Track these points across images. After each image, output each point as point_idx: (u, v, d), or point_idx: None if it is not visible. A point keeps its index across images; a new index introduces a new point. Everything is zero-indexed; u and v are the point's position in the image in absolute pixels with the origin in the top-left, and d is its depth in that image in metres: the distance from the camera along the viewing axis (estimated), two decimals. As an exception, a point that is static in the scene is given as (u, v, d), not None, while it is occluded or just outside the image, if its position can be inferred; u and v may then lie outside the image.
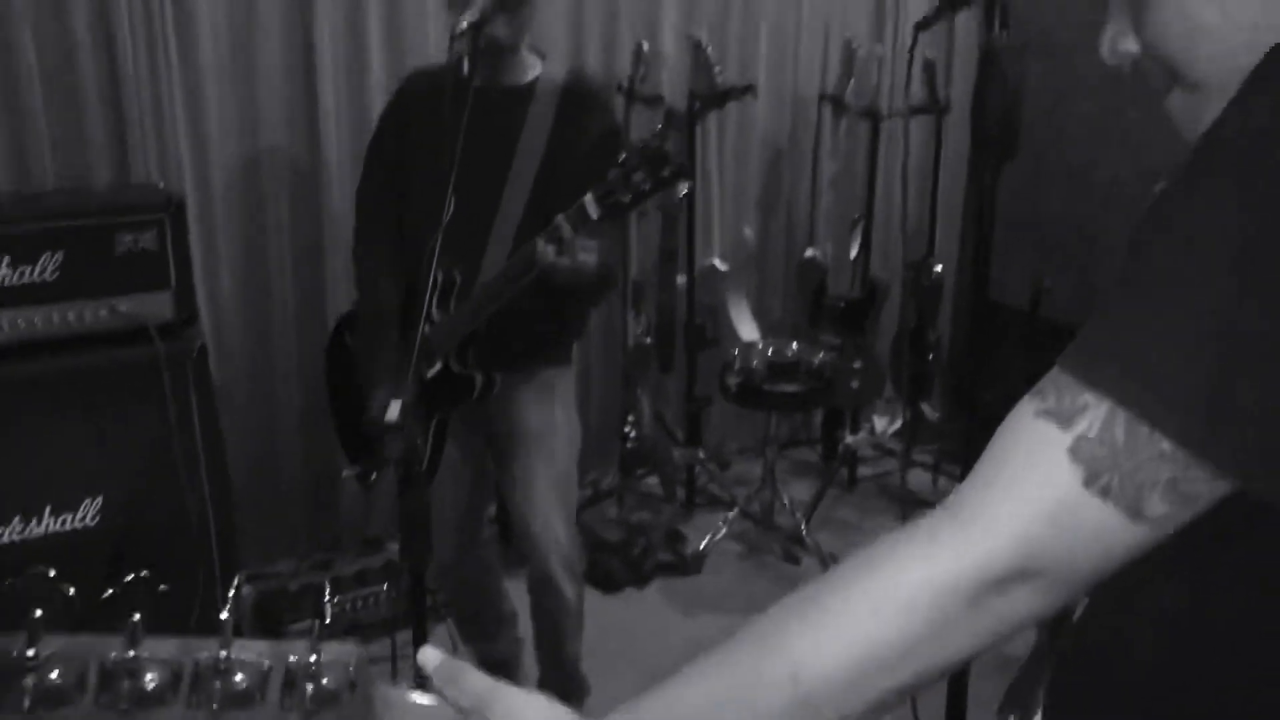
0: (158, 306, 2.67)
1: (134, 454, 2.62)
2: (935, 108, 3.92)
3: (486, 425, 2.55)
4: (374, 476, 2.58)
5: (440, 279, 2.27)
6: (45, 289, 2.54)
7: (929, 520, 0.76)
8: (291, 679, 0.75)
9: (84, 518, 2.60)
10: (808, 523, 3.75)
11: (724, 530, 3.77)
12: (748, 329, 3.99)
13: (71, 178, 3.01)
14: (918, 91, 3.90)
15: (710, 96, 3.68)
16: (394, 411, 1.62)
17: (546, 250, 2.10)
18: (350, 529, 3.48)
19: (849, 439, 4.20)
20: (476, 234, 2.34)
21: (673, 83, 3.87)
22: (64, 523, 2.56)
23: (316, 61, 3.26)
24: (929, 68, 3.91)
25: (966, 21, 4.11)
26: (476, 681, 0.80)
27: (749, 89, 3.77)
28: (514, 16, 2.28)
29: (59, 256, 2.55)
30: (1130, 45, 0.84)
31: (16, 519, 2.50)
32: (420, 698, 0.83)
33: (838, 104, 3.99)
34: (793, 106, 4.27)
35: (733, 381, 3.57)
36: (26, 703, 0.71)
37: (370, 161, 2.59)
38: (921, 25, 1.72)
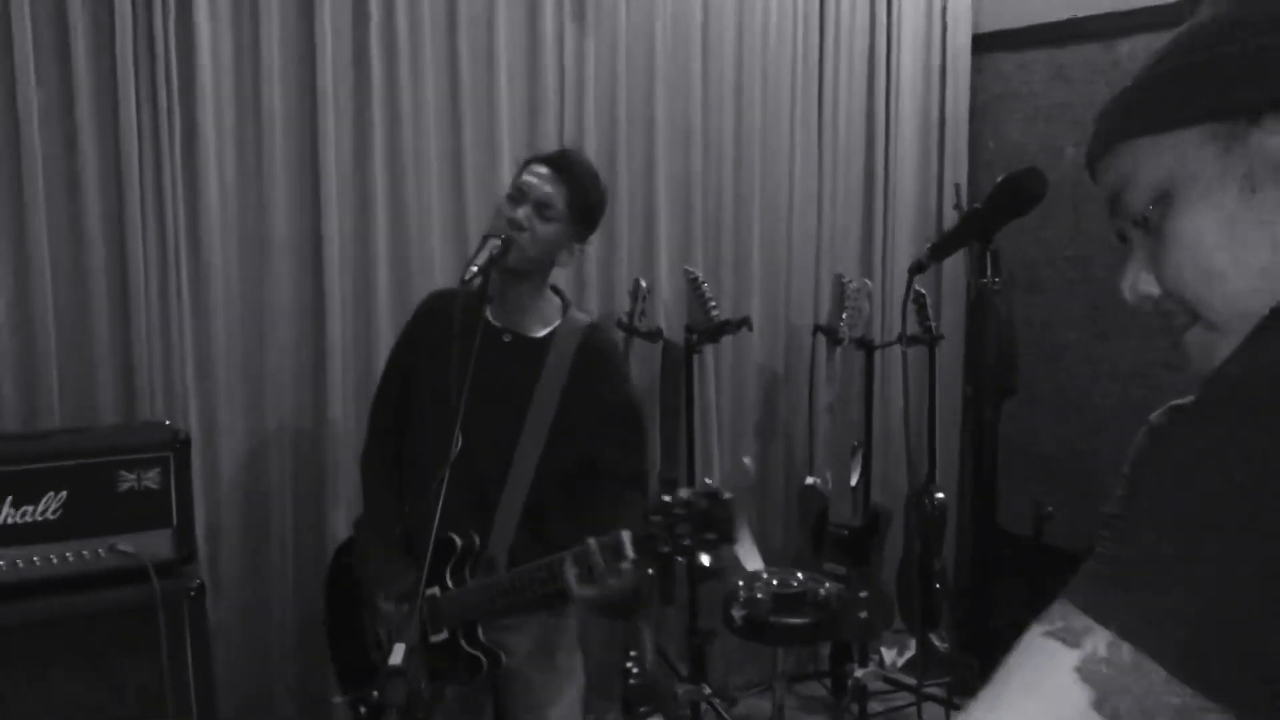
0: (158, 545, 2.65)
1: (126, 699, 2.55)
2: (928, 338, 4.02)
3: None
4: (363, 711, 2.50)
5: (459, 545, 2.28)
6: (46, 528, 2.53)
7: None
8: None
9: (68, 768, 2.50)
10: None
11: None
12: (751, 559, 3.93)
13: (78, 417, 3.04)
14: (910, 324, 4.00)
15: (706, 329, 3.77)
16: (398, 656, 1.58)
17: (571, 576, 2.07)
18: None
19: (858, 672, 4.09)
20: (488, 489, 2.36)
21: (670, 317, 3.97)
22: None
23: (326, 304, 3.35)
24: (919, 299, 4.03)
25: (954, 259, 4.27)
26: None
27: (744, 321, 3.86)
28: (522, 279, 2.36)
29: (62, 495, 2.56)
30: (1150, 288, 0.88)
31: (-1, 770, 2.40)
32: None
33: (831, 335, 4.09)
34: (787, 337, 4.38)
35: (738, 614, 3.50)
36: None
37: (388, 372, 2.66)
38: (915, 269, 1.78)
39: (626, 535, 2.00)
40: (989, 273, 1.49)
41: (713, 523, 1.97)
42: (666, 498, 1.96)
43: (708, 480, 3.94)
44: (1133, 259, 0.89)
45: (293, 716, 3.38)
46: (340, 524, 3.38)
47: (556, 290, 2.50)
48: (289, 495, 3.36)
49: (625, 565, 2.01)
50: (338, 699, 2.66)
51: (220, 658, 2.85)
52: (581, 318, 2.46)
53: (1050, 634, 0.73)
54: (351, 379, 3.43)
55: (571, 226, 2.36)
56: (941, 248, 1.67)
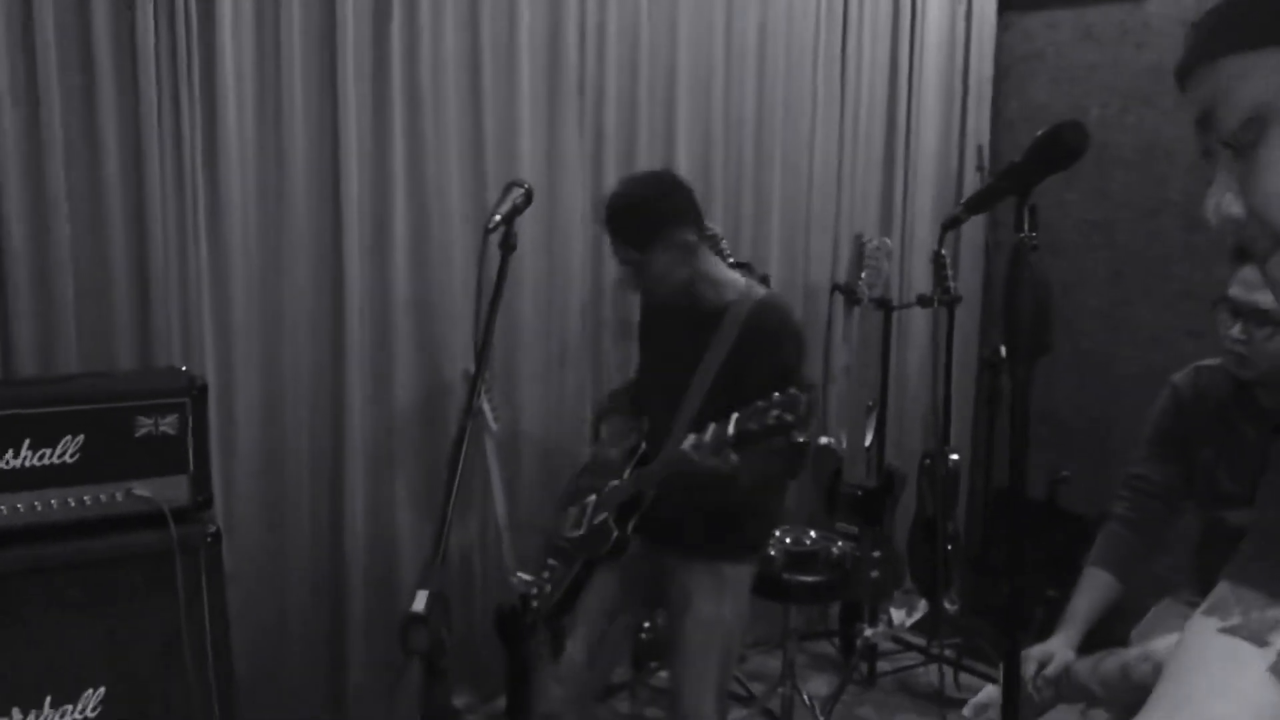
0: (174, 490, 2.65)
1: (140, 643, 2.56)
2: (947, 299, 3.99)
3: (656, 598, 2.90)
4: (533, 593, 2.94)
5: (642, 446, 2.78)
6: (64, 472, 2.53)
7: None
8: None
9: (83, 710, 2.51)
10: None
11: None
12: (763, 517, 3.94)
13: (95, 363, 3.03)
14: (930, 284, 3.97)
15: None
16: (420, 602, 1.58)
17: (688, 445, 2.42)
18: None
19: (868, 631, 4.09)
20: (666, 419, 2.71)
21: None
22: (63, 714, 2.48)
23: (343, 252, 3.34)
24: (939, 260, 3.99)
25: (974, 220, 4.24)
26: None
27: (763, 279, 3.83)
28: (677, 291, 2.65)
29: (79, 439, 2.55)
30: (1236, 209, 0.84)
31: (15, 710, 2.41)
32: None
33: (849, 294, 4.06)
34: (804, 296, 4.35)
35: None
36: None
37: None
38: (949, 225, 1.76)
39: (734, 415, 2.36)
40: (1026, 228, 1.46)
41: (797, 407, 2.32)
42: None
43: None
44: (1218, 180, 0.84)
45: (307, 661, 3.41)
46: (356, 471, 3.38)
47: (738, 265, 2.93)
48: (305, 441, 3.37)
49: (727, 448, 2.36)
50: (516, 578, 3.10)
51: (235, 603, 2.85)
52: (755, 292, 2.72)
53: (1231, 631, 0.68)
54: (368, 329, 3.42)
55: (657, 247, 2.57)
56: (977, 202, 1.64)
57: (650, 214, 2.60)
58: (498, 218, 2.10)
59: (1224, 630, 0.68)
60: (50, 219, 2.92)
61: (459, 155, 3.52)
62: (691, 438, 2.44)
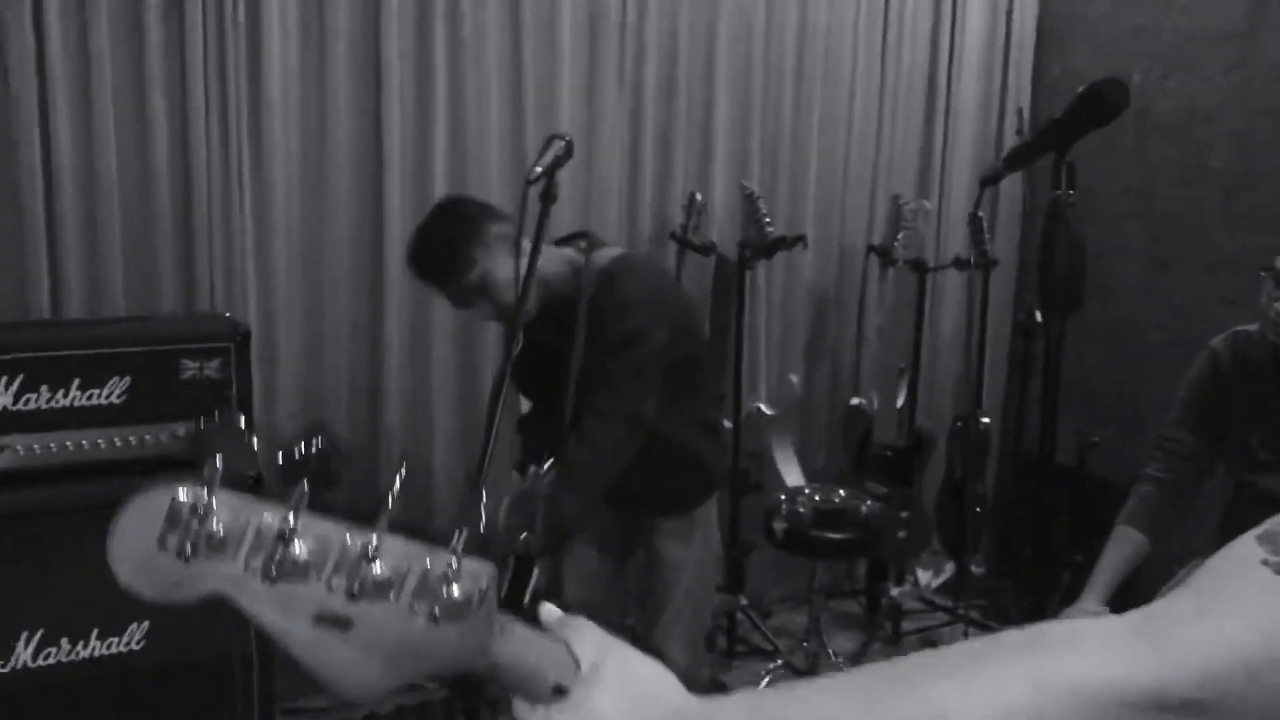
0: (218, 433, 2.71)
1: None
2: (983, 262, 3.98)
3: (626, 554, 2.79)
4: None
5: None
6: (111, 412, 2.59)
7: (1108, 626, 0.74)
8: (426, 582, 0.75)
9: (129, 642, 2.59)
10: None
11: (766, 681, 3.69)
12: (792, 475, 3.98)
13: (141, 307, 3.10)
14: (966, 246, 3.98)
15: (760, 246, 3.76)
16: (457, 544, 1.61)
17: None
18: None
19: (893, 591, 4.14)
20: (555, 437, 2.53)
21: (723, 231, 3.96)
22: (110, 646, 2.56)
23: (384, 198, 3.38)
24: (975, 222, 3.99)
25: (1011, 180, 4.22)
26: (595, 632, 0.81)
27: (799, 239, 3.85)
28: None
29: (126, 381, 2.61)
30: None
31: (64, 640, 2.50)
32: (539, 634, 0.82)
33: (885, 255, 4.07)
34: (840, 257, 4.35)
35: (778, 527, 3.54)
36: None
37: None
38: (988, 181, 1.77)
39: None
40: (1064, 185, 1.47)
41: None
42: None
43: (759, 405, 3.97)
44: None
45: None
46: (393, 416, 3.45)
47: (570, 239, 2.64)
48: (344, 387, 3.44)
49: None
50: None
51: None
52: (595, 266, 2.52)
53: (1272, 563, 0.70)
54: (407, 279, 3.45)
55: (478, 253, 2.42)
56: (1017, 158, 1.66)
57: (447, 235, 2.46)
58: (539, 170, 2.12)
59: (1265, 562, 0.70)
60: (99, 165, 2.99)
61: (499, 107, 3.55)
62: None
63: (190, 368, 2.69)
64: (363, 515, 0.76)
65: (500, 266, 2.38)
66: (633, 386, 2.41)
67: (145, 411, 2.62)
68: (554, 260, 2.49)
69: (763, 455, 4.02)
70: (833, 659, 3.73)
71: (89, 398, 2.57)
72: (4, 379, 2.49)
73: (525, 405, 2.82)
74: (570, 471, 2.32)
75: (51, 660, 2.48)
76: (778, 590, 4.33)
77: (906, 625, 4.22)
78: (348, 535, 0.74)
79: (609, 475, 2.41)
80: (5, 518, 2.47)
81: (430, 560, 0.75)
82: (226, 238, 3.19)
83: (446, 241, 2.44)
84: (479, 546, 2.60)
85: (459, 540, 0.77)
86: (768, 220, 3.76)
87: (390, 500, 0.76)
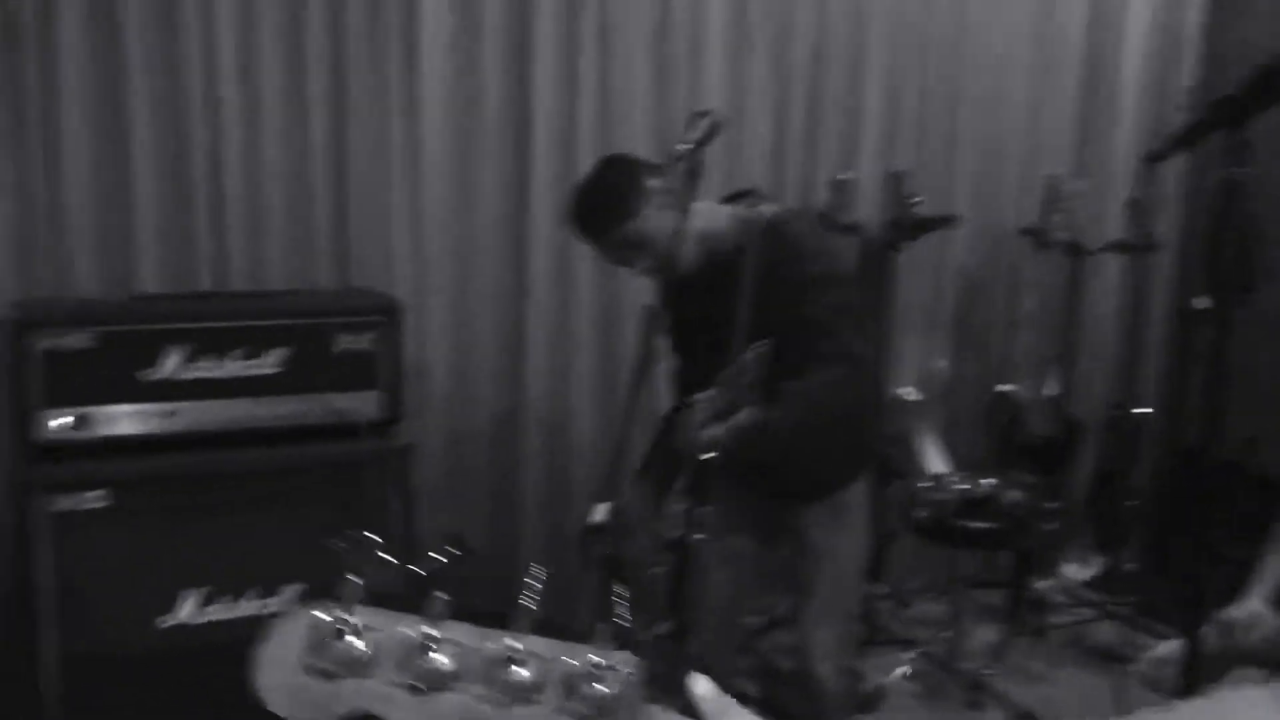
0: (368, 405, 2.80)
1: (330, 550, 2.72)
2: (1144, 245, 3.81)
3: (772, 538, 2.65)
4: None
5: None
6: (269, 381, 2.70)
7: None
8: (571, 682, 0.76)
9: (283, 602, 2.70)
10: (993, 670, 3.58)
11: (904, 670, 3.63)
12: (936, 462, 3.89)
13: (298, 281, 3.22)
14: (1125, 228, 3.81)
15: (908, 226, 3.68)
16: (599, 514, 1.63)
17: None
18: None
19: (1039, 584, 4.01)
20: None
21: (869, 212, 3.89)
22: (265, 606, 2.67)
23: (531, 178, 3.45)
24: (1136, 205, 3.82)
25: (1173, 160, 4.02)
26: (745, 717, 0.79)
27: (949, 219, 3.75)
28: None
29: (283, 352, 2.72)
30: None
31: (226, 597, 2.62)
32: None
33: (1040, 238, 3.93)
34: (991, 239, 4.23)
35: (921, 515, 3.47)
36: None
37: None
38: (1153, 158, 1.69)
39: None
40: (1238, 164, 1.40)
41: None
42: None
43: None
44: None
45: (484, 569, 3.55)
46: (537, 390, 3.51)
47: (738, 196, 2.54)
48: (488, 363, 3.51)
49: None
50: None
51: (420, 517, 3.00)
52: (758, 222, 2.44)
53: None
54: (553, 256, 3.52)
55: (640, 209, 2.32)
56: (1188, 136, 1.58)
57: (610, 187, 2.39)
58: (687, 146, 2.11)
59: None
60: (261, 147, 3.13)
61: (645, 82, 3.57)
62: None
63: (344, 340, 2.79)
64: (503, 614, 0.78)
65: (660, 219, 2.31)
66: (845, 325, 2.31)
67: (300, 382, 2.73)
68: (718, 216, 2.44)
69: (906, 441, 3.94)
70: (972, 651, 3.64)
71: (248, 367, 2.69)
72: (173, 348, 2.62)
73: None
74: (783, 396, 2.18)
75: (210, 618, 2.60)
76: (917, 580, 4.25)
77: (1052, 619, 4.09)
78: (489, 641, 0.75)
79: (822, 410, 2.31)
80: (170, 479, 2.61)
81: (573, 658, 0.76)
82: (380, 214, 3.29)
83: (610, 193, 2.38)
84: (663, 463, 2.42)
85: (604, 633, 0.77)
86: (917, 200, 3.67)
87: (528, 601, 0.77)
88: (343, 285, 3.26)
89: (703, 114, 2.18)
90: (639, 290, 3.54)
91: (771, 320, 2.20)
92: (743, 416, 2.06)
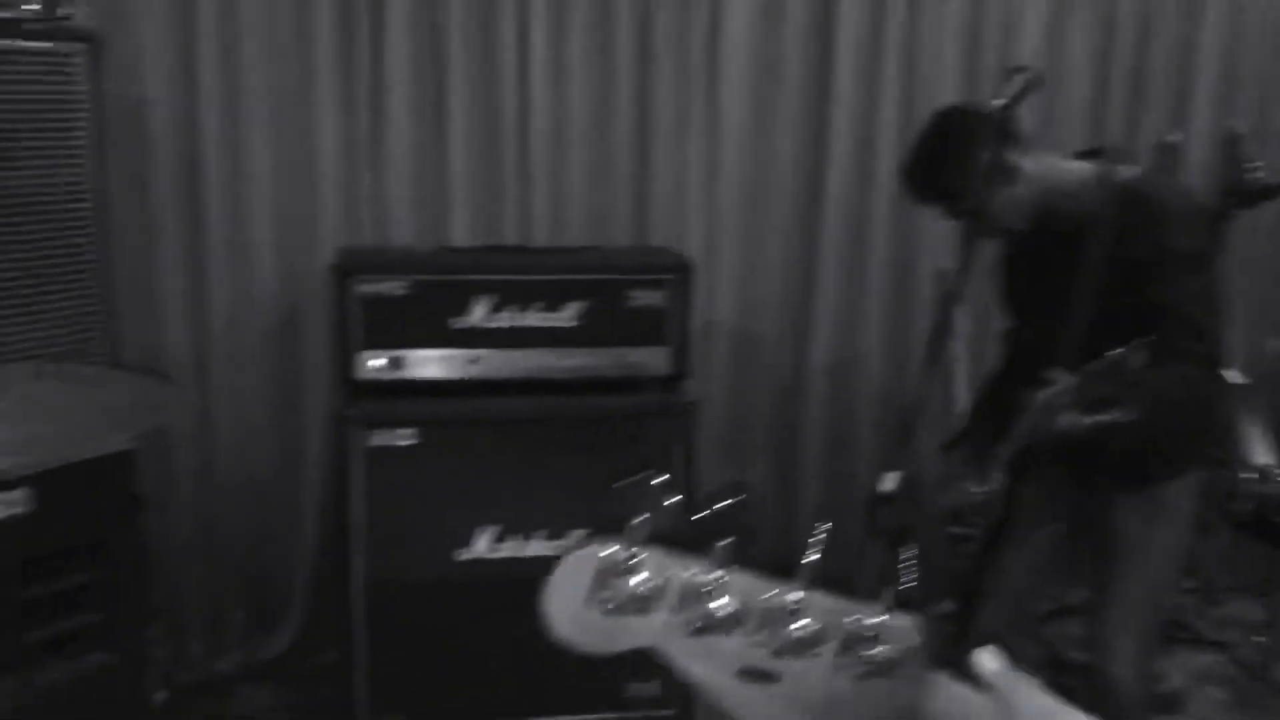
0: (657, 360, 2.85)
1: (614, 498, 2.80)
2: None
3: (1079, 521, 2.46)
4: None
5: None
6: (567, 334, 2.80)
7: None
8: (851, 640, 0.76)
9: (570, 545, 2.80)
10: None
11: (1212, 674, 3.37)
12: (1263, 452, 3.56)
13: (597, 237, 3.32)
14: None
15: (1245, 193, 3.35)
16: (889, 483, 1.59)
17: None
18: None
19: (1377, 594, 3.61)
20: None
21: (1199, 177, 3.58)
22: (554, 547, 2.77)
23: (829, 140, 3.40)
24: None
25: None
26: (1037, 696, 0.77)
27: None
28: None
29: (581, 306, 2.80)
30: None
31: (520, 537, 2.74)
32: (973, 693, 0.79)
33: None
34: None
35: (1243, 509, 3.19)
36: None
37: None
38: None
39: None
40: None
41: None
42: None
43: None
44: None
45: (766, 530, 3.58)
46: (818, 354, 3.50)
47: (1086, 154, 2.33)
48: (774, 326, 3.52)
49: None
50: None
51: (703, 472, 3.03)
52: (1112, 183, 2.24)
53: None
54: (842, 221, 3.47)
55: (972, 179, 2.10)
56: None
57: (956, 138, 2.20)
58: (1002, 102, 2.00)
59: None
60: (568, 107, 3.26)
61: (955, 40, 3.44)
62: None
63: (637, 297, 2.84)
64: (781, 566, 0.78)
65: (1002, 175, 2.15)
66: (1205, 315, 2.13)
67: (595, 335, 2.81)
68: (1067, 173, 2.26)
69: (1229, 428, 3.62)
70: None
71: (548, 319, 2.79)
72: (480, 298, 2.76)
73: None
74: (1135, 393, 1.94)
75: (502, 555, 2.74)
76: (1232, 577, 3.91)
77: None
78: (770, 591, 0.76)
79: (1173, 413, 2.09)
80: (472, 423, 2.75)
81: (856, 617, 0.76)
82: (678, 176, 3.34)
83: (956, 146, 2.19)
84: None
85: (888, 597, 0.77)
86: (1257, 166, 3.33)
87: (812, 557, 0.77)
88: (638, 243, 3.33)
89: (1019, 70, 2.06)
90: (934, 253, 3.43)
91: (1121, 297, 2.06)
92: (1115, 415, 1.90)
